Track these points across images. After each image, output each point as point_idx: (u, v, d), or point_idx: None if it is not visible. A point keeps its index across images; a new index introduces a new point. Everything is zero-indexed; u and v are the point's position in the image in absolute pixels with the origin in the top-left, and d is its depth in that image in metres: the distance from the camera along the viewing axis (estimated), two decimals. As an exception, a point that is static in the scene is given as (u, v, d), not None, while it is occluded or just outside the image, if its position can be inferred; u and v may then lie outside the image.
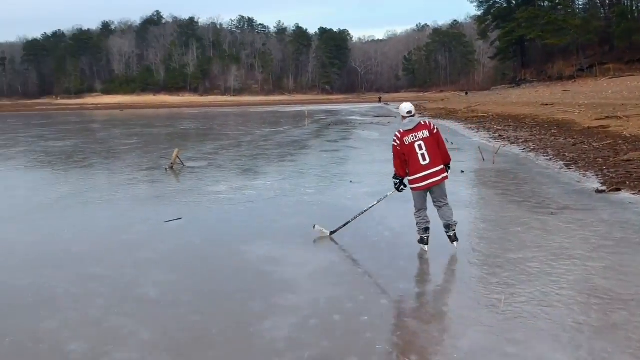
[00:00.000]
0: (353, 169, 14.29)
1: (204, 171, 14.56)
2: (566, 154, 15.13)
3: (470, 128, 27.02)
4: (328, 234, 7.47)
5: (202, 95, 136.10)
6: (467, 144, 20.26)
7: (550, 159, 14.64)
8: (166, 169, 14.87)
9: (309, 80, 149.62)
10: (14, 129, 38.67)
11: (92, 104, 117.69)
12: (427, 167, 6.36)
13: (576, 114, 29.09)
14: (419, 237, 6.71)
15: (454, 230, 6.63)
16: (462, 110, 41.41)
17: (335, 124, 34.89)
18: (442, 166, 6.50)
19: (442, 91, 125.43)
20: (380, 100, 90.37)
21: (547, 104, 37.16)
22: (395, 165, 6.63)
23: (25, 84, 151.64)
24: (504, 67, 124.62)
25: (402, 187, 6.73)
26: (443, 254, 6.65)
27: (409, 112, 6.56)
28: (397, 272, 6.14)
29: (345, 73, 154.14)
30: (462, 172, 13.34)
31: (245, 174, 13.95)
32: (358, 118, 42.56)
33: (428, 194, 6.60)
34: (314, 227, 7.56)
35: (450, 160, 6.73)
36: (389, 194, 7.39)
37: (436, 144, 6.49)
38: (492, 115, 33.69)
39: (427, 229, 6.63)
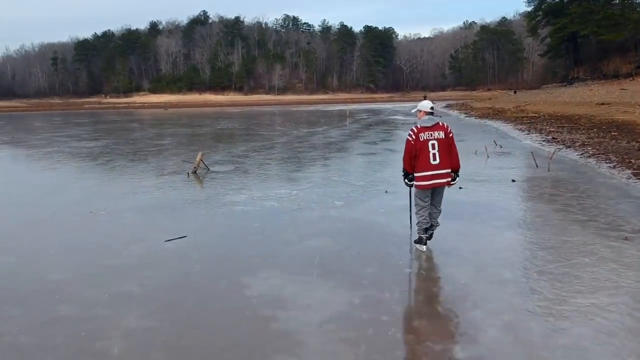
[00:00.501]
0: (390, 175, 12.84)
1: (227, 177, 13.38)
2: (632, 161, 13.33)
3: (520, 129, 25.14)
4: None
5: (246, 94, 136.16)
6: (517, 147, 18.53)
7: (614, 167, 12.88)
8: (188, 173, 13.77)
9: (353, 78, 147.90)
10: (54, 128, 38.63)
11: (139, 103, 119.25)
12: (436, 167, 6.38)
13: (637, 114, 26.91)
14: (417, 237, 6.69)
15: (432, 232, 6.73)
16: (510, 110, 39.26)
17: (377, 124, 33.41)
18: (449, 170, 6.49)
19: (489, 90, 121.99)
20: (425, 99, 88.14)
21: (603, 104, 34.77)
22: (404, 160, 6.60)
23: (76, 83, 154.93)
24: (554, 65, 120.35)
25: (408, 182, 6.76)
26: (494, 298, 5.22)
27: (432, 108, 6.63)
28: (433, 323, 4.74)
29: (390, 71, 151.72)
30: (514, 181, 11.78)
31: (270, 181, 12.69)
32: (401, 118, 40.92)
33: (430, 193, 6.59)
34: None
35: (459, 167, 6.65)
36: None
37: (448, 147, 6.45)
38: (544, 116, 31.59)
39: (427, 229, 6.62)
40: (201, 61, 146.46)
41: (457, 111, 48.74)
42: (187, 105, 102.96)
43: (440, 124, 6.48)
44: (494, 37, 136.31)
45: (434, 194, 6.60)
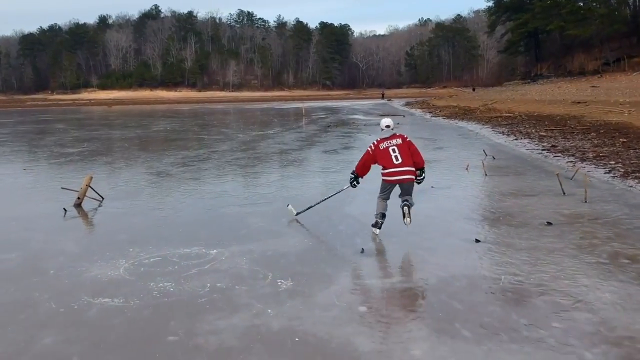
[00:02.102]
0: (363, 211, 8.61)
1: (116, 219, 8.80)
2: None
3: (502, 133, 21.29)
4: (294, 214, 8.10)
5: (200, 91, 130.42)
6: (513, 158, 14.51)
7: (676, 195, 8.93)
8: (65, 210, 9.15)
9: (309, 75, 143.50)
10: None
11: (88, 99, 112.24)
12: (399, 166, 6.99)
13: (626, 114, 23.47)
14: (374, 221, 7.28)
15: (408, 203, 7.07)
16: (479, 109, 35.62)
17: (336, 125, 29.11)
18: (412, 167, 7.06)
19: (445, 87, 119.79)
20: (383, 97, 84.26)
21: (578, 102, 31.48)
22: (358, 164, 7.58)
23: (20, 79, 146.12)
24: (509, 62, 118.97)
25: (355, 183, 7.74)
26: None
27: (387, 126, 7.23)
28: None
29: (346, 68, 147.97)
30: (549, 224, 7.66)
31: (178, 228, 8.18)
32: (361, 117, 36.75)
33: (397, 188, 7.15)
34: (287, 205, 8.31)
35: (424, 164, 7.27)
36: (344, 187, 8.25)
37: (408, 150, 7.07)
38: (520, 116, 27.95)
39: (384, 215, 7.22)
40: (152, 56, 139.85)
41: (420, 110, 44.96)
42: (137, 102, 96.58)
43: (397, 134, 7.22)
44: (449, 34, 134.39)
45: (402, 189, 7.13)
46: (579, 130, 19.51)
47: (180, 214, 8.83)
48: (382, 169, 7.12)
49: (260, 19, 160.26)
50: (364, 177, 7.59)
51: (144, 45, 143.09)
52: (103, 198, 9.99)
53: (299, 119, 37.38)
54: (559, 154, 14.47)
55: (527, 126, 23.00)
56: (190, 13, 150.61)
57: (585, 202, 8.94)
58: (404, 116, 35.67)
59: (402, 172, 7.00)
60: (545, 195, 9.67)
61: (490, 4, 66.67)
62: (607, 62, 48.15)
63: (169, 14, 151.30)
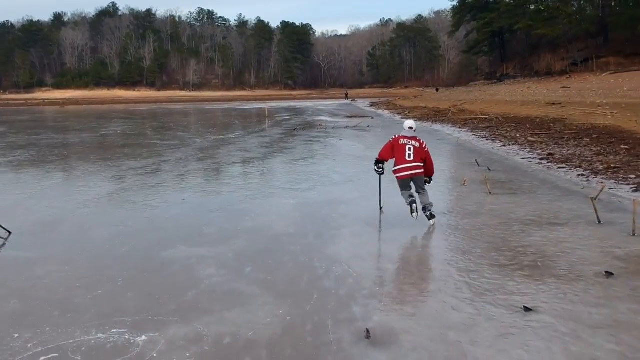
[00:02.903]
0: (353, 251, 6.41)
1: (13, 270, 6.31)
2: None
3: (485, 138, 19.40)
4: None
5: (159, 90, 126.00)
6: (512, 169, 12.45)
7: None
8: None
9: (271, 75, 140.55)
10: None
11: (42, 99, 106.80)
12: (409, 162, 7.63)
13: (610, 117, 21.94)
14: (409, 208, 7.65)
15: (430, 210, 7.66)
16: (451, 110, 33.85)
17: (302, 128, 26.79)
18: (420, 164, 7.68)
19: (406, 87, 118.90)
20: (347, 97, 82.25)
21: (553, 104, 30.03)
22: (381, 150, 8.07)
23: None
24: (470, 63, 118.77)
25: (380, 171, 8.32)
26: None
27: (410, 127, 8.02)
28: None
29: (308, 68, 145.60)
30: (610, 274, 5.59)
31: (98, 293, 5.82)
32: (328, 119, 34.53)
33: (411, 183, 7.71)
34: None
35: (433, 173, 8.11)
36: (379, 182, 8.65)
37: (422, 154, 7.71)
38: (497, 118, 26.21)
39: (413, 201, 7.64)
40: (110, 55, 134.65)
41: (387, 111, 43.07)
42: (93, 102, 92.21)
43: (418, 138, 7.86)
44: (411, 34, 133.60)
45: (415, 182, 7.70)
46: (569, 135, 17.74)
47: (105, 262, 6.41)
48: (394, 166, 7.79)
49: (220, 17, 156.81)
50: (388, 160, 8.08)
51: (101, 44, 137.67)
52: (10, 233, 7.51)
53: (262, 121, 34.97)
54: (563, 165, 12.52)
55: (508, 130, 21.21)
56: (149, 11, 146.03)
57: (634, 234, 6.93)
58: (372, 118, 33.64)
59: (412, 167, 7.63)
60: (577, 224, 7.62)
61: (455, 3, 65.23)
62: (575, 63, 47.16)
63: (127, 12, 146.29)
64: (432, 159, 8.01)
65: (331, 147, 18.51)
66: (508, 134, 19.76)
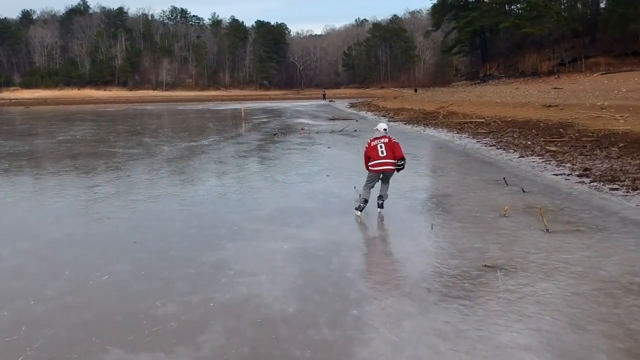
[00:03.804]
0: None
1: None
2: None
3: (492, 145, 16.95)
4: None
5: (131, 90, 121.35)
6: (561, 196, 9.81)
7: None
8: None
9: (246, 75, 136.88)
10: None
11: (9, 99, 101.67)
12: (383, 158, 8.29)
13: (623, 121, 19.75)
14: (357, 205, 8.49)
15: (383, 200, 8.48)
16: (440, 112, 31.45)
17: (283, 133, 24.00)
18: (392, 160, 8.32)
19: (382, 87, 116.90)
20: (324, 97, 79.52)
21: (549, 106, 27.86)
22: (364, 160, 8.63)
23: None
24: (446, 63, 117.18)
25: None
26: None
27: (385, 129, 8.72)
28: None
29: (283, 68, 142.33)
30: None
31: None
32: (309, 122, 31.80)
33: (380, 176, 8.44)
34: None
35: (402, 155, 8.44)
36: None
37: (391, 147, 8.36)
38: (495, 122, 23.87)
39: (366, 201, 8.38)
40: (80, 54, 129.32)
41: (370, 112, 40.55)
42: (63, 102, 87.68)
43: (386, 135, 8.57)
44: (386, 34, 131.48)
45: (384, 177, 8.45)
46: (590, 144, 15.36)
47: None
48: (369, 162, 8.45)
49: (194, 16, 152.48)
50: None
51: (71, 42, 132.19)
52: None
53: (238, 124, 32.11)
54: (613, 185, 10.03)
55: (515, 136, 18.80)
56: (120, 9, 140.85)
57: None
58: (356, 120, 31.02)
59: (384, 163, 8.33)
60: None
61: (435, 1, 62.74)
62: (563, 63, 45.19)
63: (98, 10, 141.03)
64: (400, 147, 8.52)
65: (320, 157, 15.82)
66: (517, 141, 17.33)
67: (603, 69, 40.24)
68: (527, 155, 14.49)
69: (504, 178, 10.75)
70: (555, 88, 34.32)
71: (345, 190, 10.29)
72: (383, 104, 49.23)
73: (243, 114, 38.10)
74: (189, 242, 7.15)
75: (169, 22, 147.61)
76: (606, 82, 33.46)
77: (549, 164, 12.92)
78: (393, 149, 8.35)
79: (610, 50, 42.88)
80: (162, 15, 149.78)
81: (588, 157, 13.27)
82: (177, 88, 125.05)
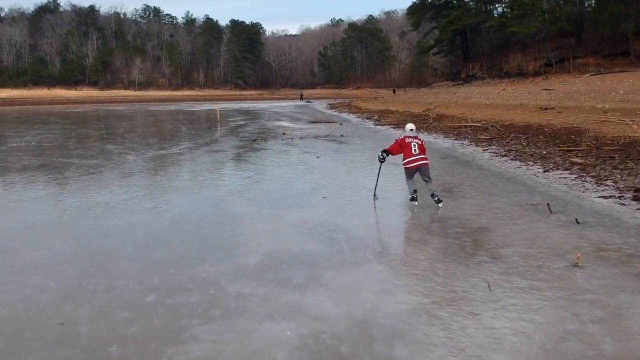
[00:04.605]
0: None
1: None
2: None
3: (503, 155, 14.84)
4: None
5: (102, 90, 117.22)
6: (621, 228, 7.63)
7: None
8: None
9: (221, 74, 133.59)
10: None
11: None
12: (416, 155, 8.83)
13: (635, 126, 17.87)
14: (410, 197, 8.99)
15: (437, 195, 8.78)
16: (429, 115, 29.37)
17: (264, 139, 21.51)
18: (425, 156, 8.92)
19: (358, 87, 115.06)
20: (302, 98, 77.04)
21: (546, 108, 26.05)
22: (392, 146, 9.19)
23: None
24: (422, 64, 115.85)
25: (382, 159, 9.44)
26: None
27: (412, 129, 9.49)
28: None
29: (258, 68, 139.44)
30: None
31: None
32: (290, 125, 29.41)
33: (417, 173, 8.88)
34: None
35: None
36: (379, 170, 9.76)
37: (422, 148, 8.99)
38: (494, 127, 21.81)
39: (415, 191, 8.93)
40: (50, 53, 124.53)
41: (352, 114, 38.31)
42: (31, 102, 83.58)
43: (418, 137, 9.30)
44: (362, 34, 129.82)
45: (421, 171, 8.84)
46: (617, 155, 13.30)
47: None
48: (403, 159, 8.98)
49: (167, 15, 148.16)
50: (395, 155, 9.27)
51: (41, 41, 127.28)
52: None
53: (213, 127, 29.56)
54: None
55: (523, 143, 16.71)
56: (91, 7, 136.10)
57: None
58: (340, 123, 28.75)
59: (418, 159, 8.83)
60: None
61: (415, 0, 60.75)
62: (550, 63, 43.58)
63: (69, 8, 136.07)
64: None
65: (309, 169, 13.45)
66: (529, 150, 15.24)
67: (592, 69, 38.68)
68: (551, 169, 12.34)
69: (548, 204, 8.52)
70: (545, 89, 32.54)
71: (350, 222, 7.97)
72: (364, 105, 47.08)
73: (218, 116, 35.52)
74: (142, 325, 4.72)
75: (142, 21, 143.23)
76: (599, 83, 31.81)
77: (585, 181, 10.77)
78: (424, 149, 9.06)
79: (599, 50, 41.36)
80: (134, 13, 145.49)
81: (627, 172, 11.17)
82: (150, 88, 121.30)
